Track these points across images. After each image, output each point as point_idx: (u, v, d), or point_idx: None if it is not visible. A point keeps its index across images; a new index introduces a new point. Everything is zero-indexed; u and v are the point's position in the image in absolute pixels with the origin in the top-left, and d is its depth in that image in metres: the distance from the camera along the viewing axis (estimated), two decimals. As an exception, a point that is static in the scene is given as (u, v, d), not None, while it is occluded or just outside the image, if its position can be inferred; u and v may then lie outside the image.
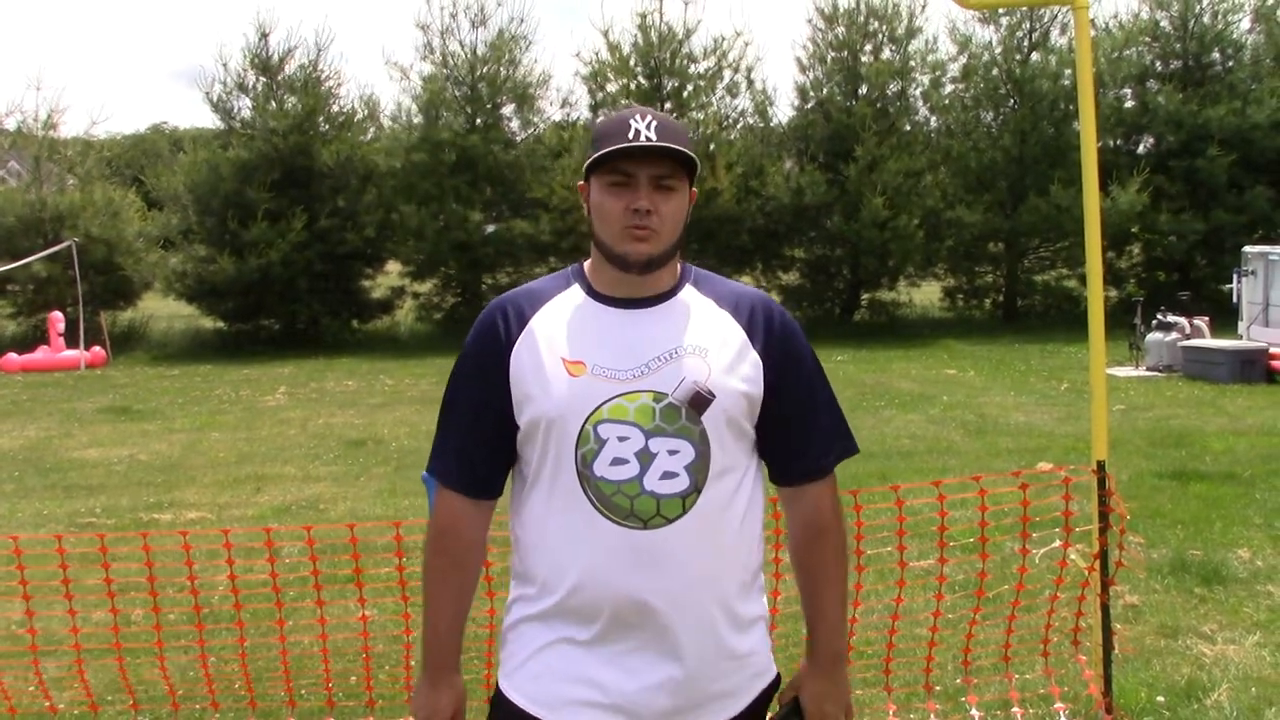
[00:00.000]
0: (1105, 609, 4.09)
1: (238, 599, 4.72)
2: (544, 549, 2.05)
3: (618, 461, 1.98)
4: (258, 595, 5.16)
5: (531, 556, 2.08)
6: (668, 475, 1.98)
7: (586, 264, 2.15)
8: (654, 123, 1.99)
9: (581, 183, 2.10)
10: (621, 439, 1.97)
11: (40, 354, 18.99)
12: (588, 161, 2.03)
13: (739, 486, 2.07)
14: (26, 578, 4.49)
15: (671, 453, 1.99)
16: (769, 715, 2.13)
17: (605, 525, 1.98)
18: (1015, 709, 4.31)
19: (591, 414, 1.98)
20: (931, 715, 4.32)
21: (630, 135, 1.97)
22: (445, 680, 2.18)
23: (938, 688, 4.49)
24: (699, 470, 2.00)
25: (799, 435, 2.13)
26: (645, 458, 1.98)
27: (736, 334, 2.08)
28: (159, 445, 11.27)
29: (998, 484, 5.13)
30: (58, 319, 19.24)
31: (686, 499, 1.99)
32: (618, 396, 1.99)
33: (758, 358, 2.07)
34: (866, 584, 4.52)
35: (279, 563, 4.70)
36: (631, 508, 1.98)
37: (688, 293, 2.12)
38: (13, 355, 18.95)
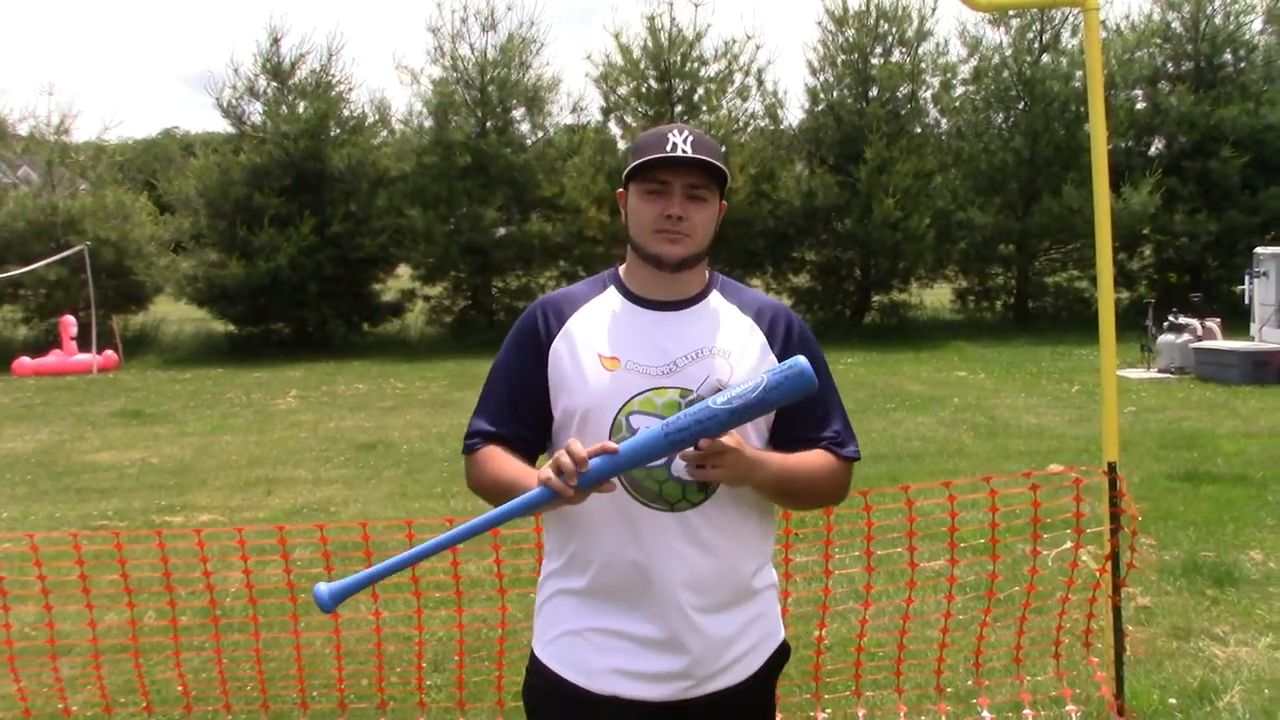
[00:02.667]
0: (1117, 610, 4.08)
1: (252, 596, 4.74)
2: (577, 527, 2.20)
3: None
4: (270, 596, 5.18)
5: (564, 533, 2.24)
6: None
7: (622, 268, 2.34)
8: (690, 138, 2.17)
9: (621, 190, 2.28)
10: (649, 429, 2.09)
11: (53, 358, 19.09)
12: (627, 170, 2.21)
13: None
14: (41, 577, 4.51)
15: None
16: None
17: (635, 507, 2.16)
18: (1027, 711, 4.30)
19: (624, 405, 2.17)
20: (943, 717, 4.32)
21: (668, 148, 2.15)
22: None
23: (949, 689, 4.49)
24: None
25: (802, 427, 2.28)
26: None
27: (758, 339, 2.27)
28: (171, 448, 11.31)
29: (1009, 485, 5.13)
30: (70, 323, 19.33)
31: (709, 485, 2.17)
32: (648, 390, 2.17)
33: (776, 362, 2.22)
34: (877, 585, 4.52)
35: (291, 564, 4.71)
36: (660, 491, 2.16)
37: (715, 298, 2.31)
38: (25, 359, 19.05)
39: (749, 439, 2.20)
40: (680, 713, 2.22)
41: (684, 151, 2.15)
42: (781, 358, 2.21)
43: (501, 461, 2.23)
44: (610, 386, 2.18)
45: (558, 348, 2.24)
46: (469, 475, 2.32)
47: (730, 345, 2.23)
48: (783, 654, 2.37)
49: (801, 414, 2.24)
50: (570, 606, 2.25)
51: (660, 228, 2.18)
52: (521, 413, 2.27)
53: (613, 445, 1.99)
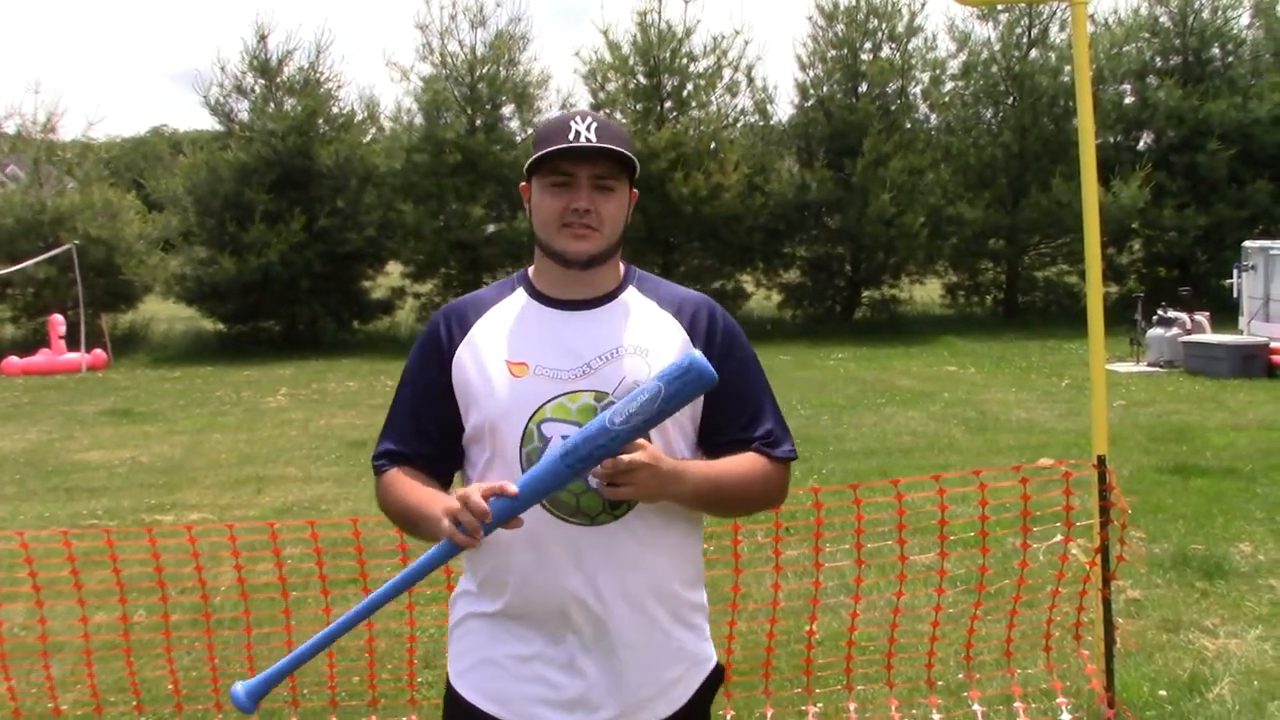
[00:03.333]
0: (1107, 604, 4.09)
1: (244, 592, 4.73)
2: (489, 546, 2.01)
3: None
4: (261, 593, 5.17)
5: (478, 554, 2.07)
6: None
7: (531, 269, 2.19)
8: (594, 124, 2.03)
9: (524, 184, 2.13)
10: (565, 438, 1.95)
11: (41, 357, 19.01)
12: (529, 163, 2.06)
13: None
14: (31, 577, 4.50)
15: None
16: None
17: (552, 521, 2.01)
18: (1017, 704, 4.31)
19: (535, 413, 2.02)
20: (934, 710, 4.33)
21: (570, 136, 2.01)
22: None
23: (940, 683, 4.50)
24: None
25: (731, 428, 2.13)
26: None
27: (678, 335, 2.11)
28: (160, 447, 11.28)
29: (998, 479, 5.13)
30: (58, 322, 19.25)
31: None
32: (560, 396, 2.02)
33: None
34: (868, 579, 4.52)
35: (281, 563, 4.70)
36: (578, 504, 2.00)
37: (630, 294, 2.15)
38: (14, 358, 18.97)
39: (673, 445, 2.06)
40: None
41: (588, 139, 2.01)
42: (705, 353, 2.00)
43: (405, 488, 2.09)
44: (519, 394, 2.02)
45: (461, 356, 2.10)
46: (378, 499, 2.17)
47: (647, 343, 2.07)
48: (715, 679, 2.22)
49: (730, 414, 2.11)
50: (485, 631, 2.11)
51: (566, 222, 2.04)
52: (427, 430, 2.13)
53: (511, 488, 1.86)
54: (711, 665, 2.21)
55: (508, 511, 1.88)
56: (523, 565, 2.03)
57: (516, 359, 2.06)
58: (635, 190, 2.15)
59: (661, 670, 2.09)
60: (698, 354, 1.89)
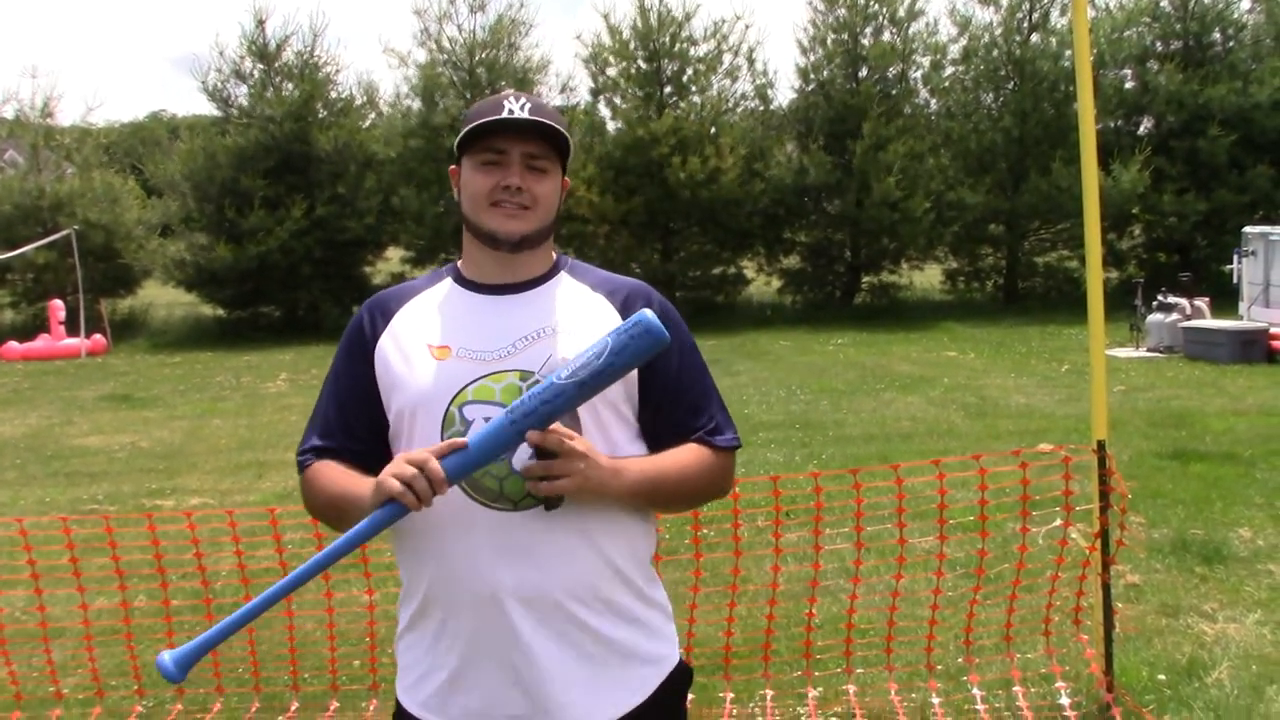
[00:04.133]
0: (1106, 588, 4.09)
1: (244, 576, 4.74)
2: (416, 536, 1.96)
3: None
4: (262, 578, 5.17)
5: (400, 554, 2.03)
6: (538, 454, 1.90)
7: (460, 260, 2.13)
8: (527, 103, 1.97)
9: (453, 167, 2.07)
10: (488, 419, 1.87)
11: (41, 342, 19.02)
12: (458, 139, 2.00)
13: None
14: (31, 561, 4.51)
15: None
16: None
17: (474, 509, 1.90)
18: (1017, 688, 4.32)
19: (456, 395, 1.93)
20: (933, 695, 4.34)
21: (504, 113, 1.95)
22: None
23: (939, 667, 4.51)
24: None
25: (671, 418, 2.05)
26: None
27: (609, 315, 2.01)
28: (160, 432, 11.28)
29: (998, 464, 5.14)
30: (58, 307, 19.25)
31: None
32: (483, 377, 1.94)
33: None
34: (867, 564, 4.53)
35: (282, 548, 4.71)
36: (500, 489, 1.90)
37: (561, 279, 2.08)
38: (13, 344, 18.97)
39: (612, 435, 1.97)
40: None
41: (521, 116, 1.94)
42: None
43: (332, 475, 2.00)
44: (440, 377, 1.94)
45: (383, 345, 2.03)
46: (304, 497, 2.09)
47: (577, 324, 1.98)
48: (678, 681, 2.07)
49: (670, 403, 2.02)
50: (421, 642, 2.02)
51: (496, 199, 1.97)
52: (351, 423, 2.05)
53: (461, 441, 1.79)
54: (670, 666, 2.06)
55: (457, 468, 1.80)
56: (443, 558, 1.93)
57: (438, 343, 1.99)
58: (567, 179, 2.09)
59: (600, 671, 1.96)
60: (649, 313, 1.81)
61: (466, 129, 1.98)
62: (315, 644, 4.82)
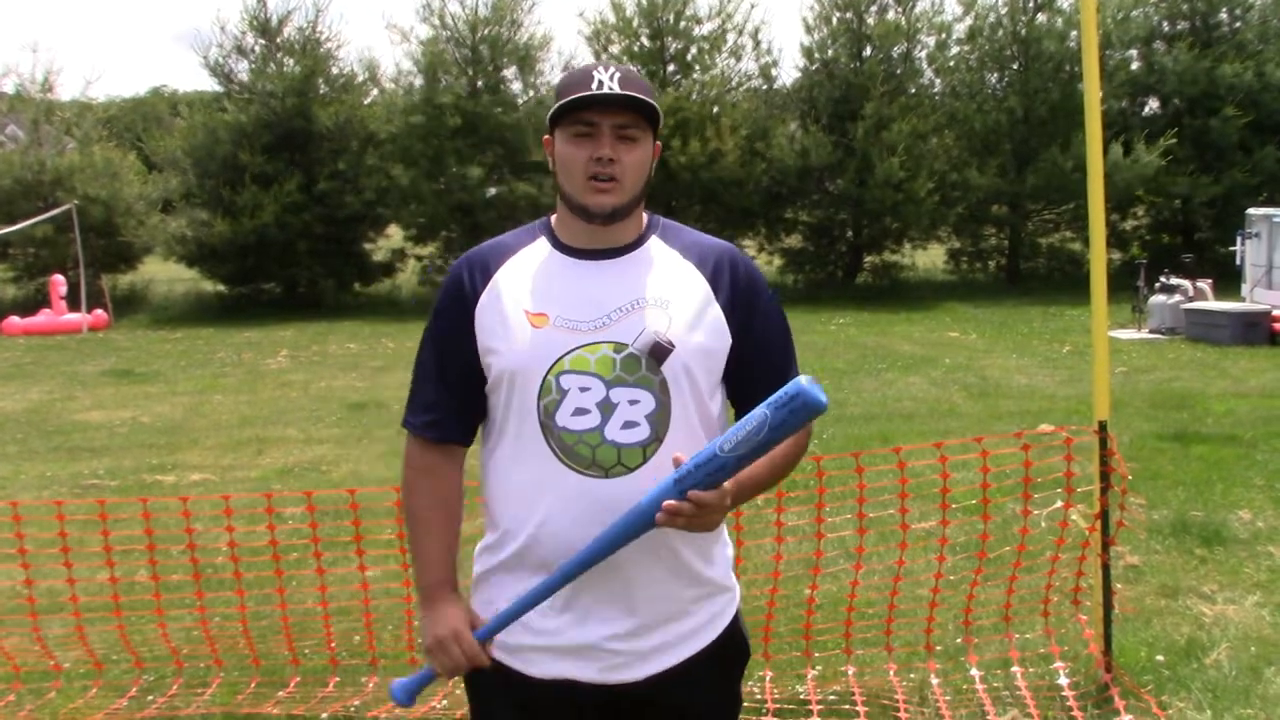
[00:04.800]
0: (1106, 569, 4.09)
1: (238, 563, 4.75)
2: (508, 498, 2.09)
3: (579, 411, 2.01)
4: (261, 555, 5.18)
5: (496, 506, 2.13)
6: (629, 425, 2.01)
7: (554, 217, 2.17)
8: (616, 74, 2.02)
9: (547, 136, 2.12)
10: (583, 389, 2.00)
11: (42, 317, 19.02)
12: (551, 113, 2.06)
13: (702, 437, 2.07)
14: (29, 543, 4.51)
15: (632, 402, 2.01)
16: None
17: (568, 474, 2.01)
18: (1015, 668, 4.33)
19: (553, 365, 2.02)
20: (932, 674, 4.34)
21: (593, 86, 2.00)
22: (447, 599, 2.15)
23: (939, 647, 4.51)
24: (660, 420, 2.02)
25: (760, 386, 2.09)
26: (606, 408, 2.01)
27: (700, 286, 2.09)
28: (161, 408, 11.29)
29: (999, 445, 5.13)
30: (59, 282, 19.25)
31: (647, 448, 2.02)
32: (579, 348, 2.02)
33: (720, 311, 2.08)
34: (868, 545, 4.53)
35: (281, 526, 4.72)
36: (593, 457, 2.01)
37: (653, 244, 2.14)
38: (15, 319, 18.97)
39: (698, 388, 2.06)
40: (625, 696, 2.10)
41: (611, 89, 1.99)
42: (727, 305, 2.07)
43: (421, 527, 2.18)
44: (538, 346, 2.03)
45: (483, 304, 2.09)
46: (405, 468, 2.20)
47: (669, 294, 2.06)
48: (736, 643, 2.22)
49: (757, 371, 2.11)
50: (503, 585, 2.12)
51: (590, 173, 2.03)
52: (453, 383, 2.13)
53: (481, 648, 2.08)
54: (729, 619, 2.19)
55: (504, 619, 2.06)
56: (537, 516, 2.04)
57: (536, 309, 2.05)
58: (659, 143, 2.14)
59: (672, 624, 2.10)
60: (804, 380, 1.85)
61: (558, 105, 2.03)
62: (314, 620, 4.82)
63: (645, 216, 2.16)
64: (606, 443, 2.00)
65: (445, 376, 2.14)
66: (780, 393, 1.86)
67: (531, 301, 2.06)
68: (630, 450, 2.01)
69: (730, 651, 2.21)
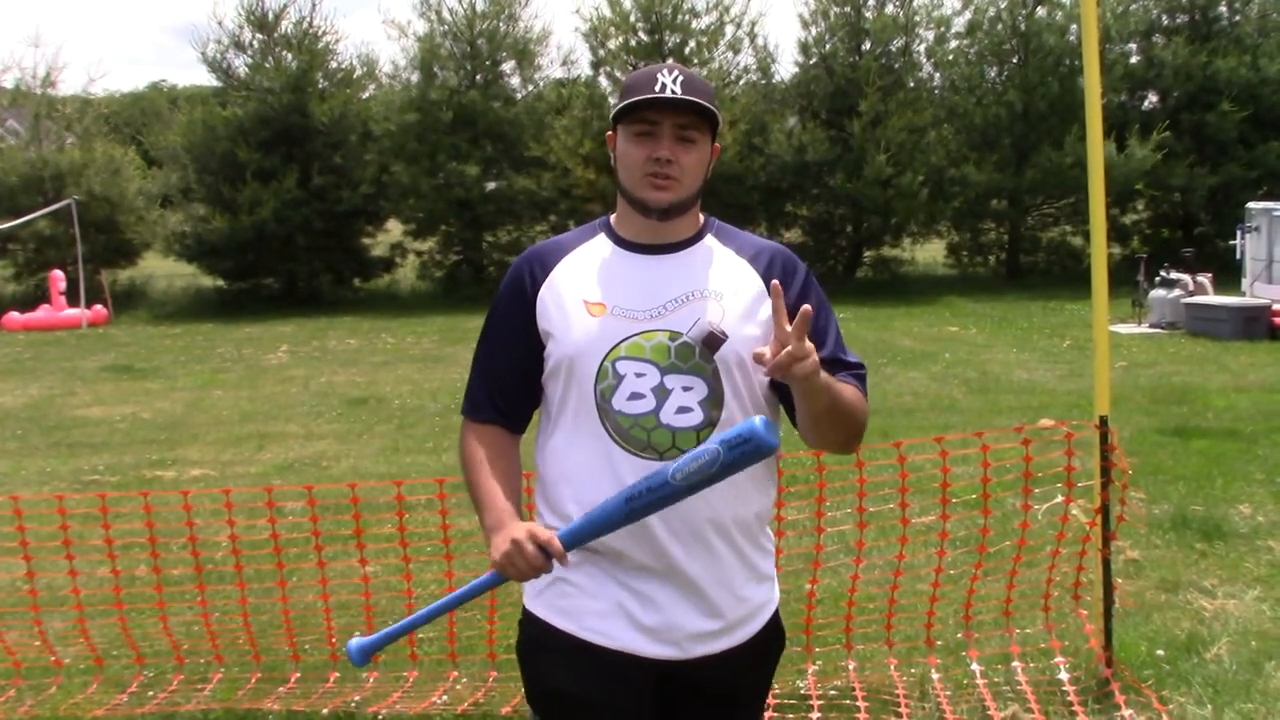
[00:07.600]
0: (1106, 564, 4.09)
1: (239, 557, 4.75)
2: (566, 481, 2.17)
3: (635, 396, 2.10)
4: (261, 549, 5.18)
5: (554, 489, 2.21)
6: (683, 410, 2.10)
7: (613, 215, 2.28)
8: (680, 78, 2.11)
9: (610, 133, 2.22)
10: (639, 375, 2.09)
11: (42, 313, 19.01)
12: (614, 110, 2.16)
13: None
14: (29, 537, 4.51)
15: (686, 389, 2.11)
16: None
17: (623, 457, 2.11)
18: (1016, 663, 4.33)
19: (610, 351, 2.12)
20: (932, 669, 4.35)
21: (657, 88, 2.10)
22: (515, 522, 2.15)
23: (939, 642, 4.51)
24: (712, 406, 2.12)
25: (830, 364, 2.16)
26: (661, 393, 2.10)
27: (754, 282, 2.18)
28: (162, 403, 11.29)
29: (1000, 440, 5.12)
30: (59, 278, 19.23)
31: (700, 432, 2.10)
32: (635, 335, 2.12)
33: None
34: (868, 540, 4.53)
35: (281, 521, 4.72)
36: (648, 440, 2.10)
37: (709, 241, 2.24)
38: (15, 314, 18.96)
39: (747, 369, 2.12)
40: (678, 674, 2.17)
41: (673, 92, 2.09)
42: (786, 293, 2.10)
43: (476, 464, 2.23)
44: (595, 333, 2.12)
45: (544, 297, 2.19)
46: (463, 444, 2.29)
47: (723, 288, 2.16)
48: (778, 632, 2.31)
49: (820, 339, 2.15)
50: (578, 567, 2.18)
51: (649, 171, 2.12)
52: (510, 373, 2.24)
53: (556, 544, 2.05)
54: (774, 606, 2.28)
55: (573, 536, 2.06)
56: (595, 498, 2.10)
57: (594, 299, 2.16)
58: (718, 145, 2.23)
59: (730, 607, 2.18)
60: (758, 423, 1.94)
61: (622, 104, 2.13)
62: (314, 616, 4.82)
63: (701, 217, 2.27)
64: (661, 426, 2.10)
65: (502, 367, 2.25)
66: (733, 432, 1.96)
67: (590, 292, 2.17)
68: (684, 434, 2.10)
69: (773, 639, 2.30)
